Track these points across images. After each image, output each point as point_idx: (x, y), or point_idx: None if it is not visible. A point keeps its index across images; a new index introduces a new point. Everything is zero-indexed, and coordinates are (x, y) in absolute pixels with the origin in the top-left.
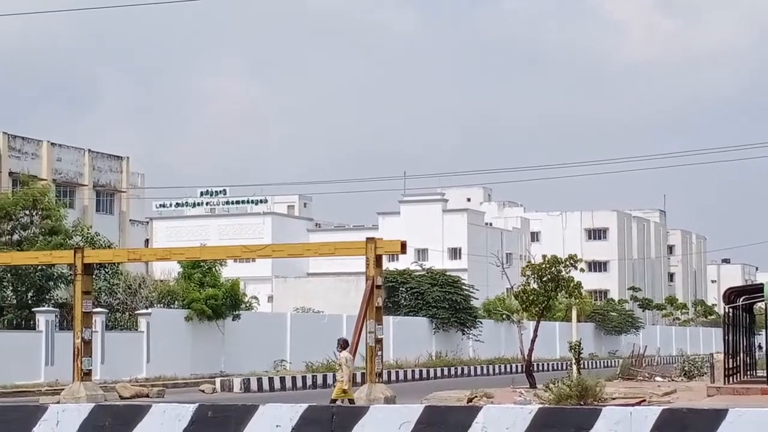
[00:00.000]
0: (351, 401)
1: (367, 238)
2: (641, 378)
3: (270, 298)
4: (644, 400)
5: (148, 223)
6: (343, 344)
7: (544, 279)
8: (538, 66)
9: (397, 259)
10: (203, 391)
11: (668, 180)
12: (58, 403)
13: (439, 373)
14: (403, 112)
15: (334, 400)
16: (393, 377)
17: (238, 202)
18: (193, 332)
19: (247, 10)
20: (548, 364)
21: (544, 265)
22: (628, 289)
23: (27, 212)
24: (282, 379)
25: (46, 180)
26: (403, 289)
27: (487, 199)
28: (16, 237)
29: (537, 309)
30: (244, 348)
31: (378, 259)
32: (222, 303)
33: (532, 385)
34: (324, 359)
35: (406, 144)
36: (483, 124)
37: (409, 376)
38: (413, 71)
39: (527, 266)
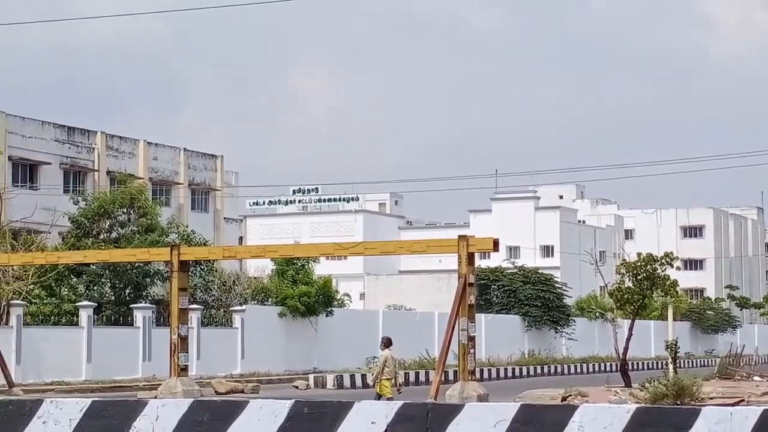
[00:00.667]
0: (381, 396)
1: (459, 236)
2: (739, 377)
3: (362, 296)
4: (743, 400)
5: (242, 221)
6: (386, 342)
7: (639, 277)
8: (630, 61)
9: (489, 257)
10: (297, 387)
11: (766, 177)
12: (155, 398)
13: (531, 372)
14: (495, 109)
15: (390, 398)
16: (485, 375)
17: (330, 200)
18: (286, 329)
19: (336, 8)
20: (643, 363)
21: (639, 263)
22: (725, 287)
23: (124, 210)
24: None
25: (142, 178)
26: (495, 287)
27: (580, 197)
28: (114, 234)
29: (632, 307)
30: (336, 345)
31: (470, 257)
32: (315, 300)
33: (627, 384)
34: (416, 356)
35: (498, 141)
36: (575, 121)
37: (502, 374)
38: (505, 67)
39: (622, 264)
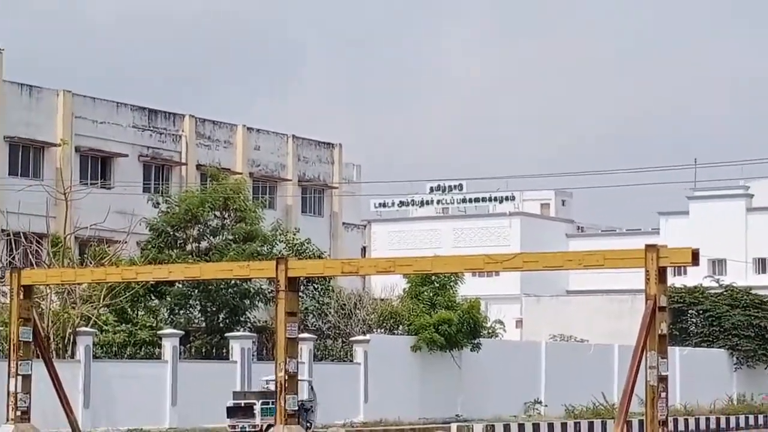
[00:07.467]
0: None
1: (647, 245)
2: None
3: (519, 323)
4: None
5: (365, 226)
6: None
7: None
8: None
9: (686, 273)
10: None
11: None
12: None
13: (741, 423)
14: (690, 83)
15: None
16: (680, 427)
17: (477, 200)
18: (421, 365)
19: None
20: None
21: None
22: None
23: (217, 214)
24: (536, 426)
25: (241, 174)
26: (694, 312)
27: None
28: (204, 245)
29: None
30: (486, 386)
31: (661, 273)
32: (458, 329)
33: None
34: (589, 402)
35: (696, 122)
36: None
37: (702, 426)
38: (692, 33)
39: None
